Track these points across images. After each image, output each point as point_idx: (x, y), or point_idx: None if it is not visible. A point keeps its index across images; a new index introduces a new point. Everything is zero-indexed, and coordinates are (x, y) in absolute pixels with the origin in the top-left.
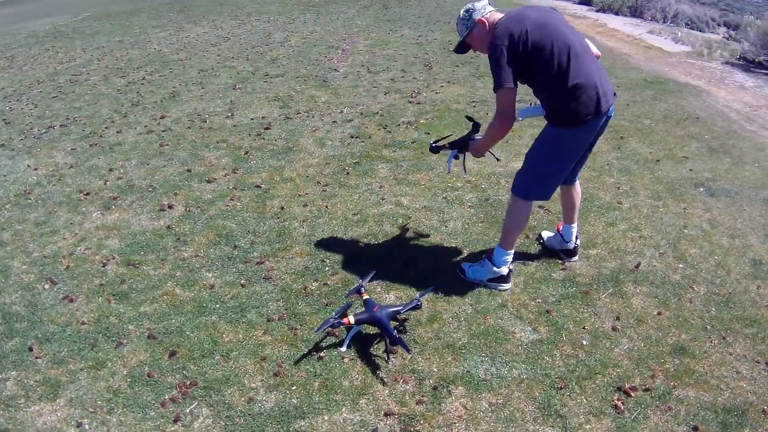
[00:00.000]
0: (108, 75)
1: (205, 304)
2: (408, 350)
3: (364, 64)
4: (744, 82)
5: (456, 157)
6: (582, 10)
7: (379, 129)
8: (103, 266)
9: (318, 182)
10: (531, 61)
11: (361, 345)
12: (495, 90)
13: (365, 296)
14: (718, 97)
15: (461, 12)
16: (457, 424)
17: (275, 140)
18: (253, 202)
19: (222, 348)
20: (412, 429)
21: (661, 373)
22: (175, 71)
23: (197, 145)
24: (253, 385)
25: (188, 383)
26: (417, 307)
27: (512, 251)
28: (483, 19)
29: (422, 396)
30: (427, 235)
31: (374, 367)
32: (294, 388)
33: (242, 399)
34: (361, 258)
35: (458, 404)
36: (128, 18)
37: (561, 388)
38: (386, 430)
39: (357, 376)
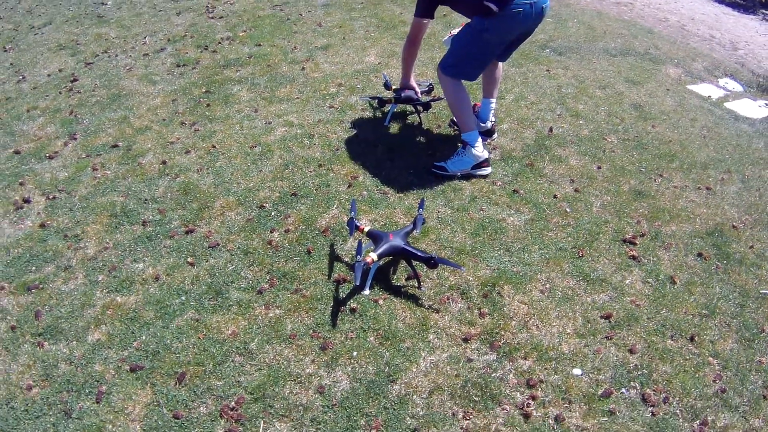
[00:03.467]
0: None
1: (167, 302)
2: (459, 267)
3: None
4: None
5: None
6: None
7: (201, 51)
8: None
9: (182, 123)
10: None
11: (377, 281)
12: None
13: (366, 228)
14: None
15: None
16: (531, 321)
17: (93, 90)
18: (123, 165)
19: (234, 346)
20: (500, 343)
21: (641, 217)
22: None
23: (6, 121)
24: (309, 371)
25: (232, 405)
26: (423, 222)
27: (476, 129)
28: None
29: (481, 308)
30: (346, 148)
31: (413, 300)
32: (356, 353)
33: (312, 395)
34: (300, 191)
35: (517, 303)
36: None
37: (582, 256)
38: (478, 354)
39: (405, 314)
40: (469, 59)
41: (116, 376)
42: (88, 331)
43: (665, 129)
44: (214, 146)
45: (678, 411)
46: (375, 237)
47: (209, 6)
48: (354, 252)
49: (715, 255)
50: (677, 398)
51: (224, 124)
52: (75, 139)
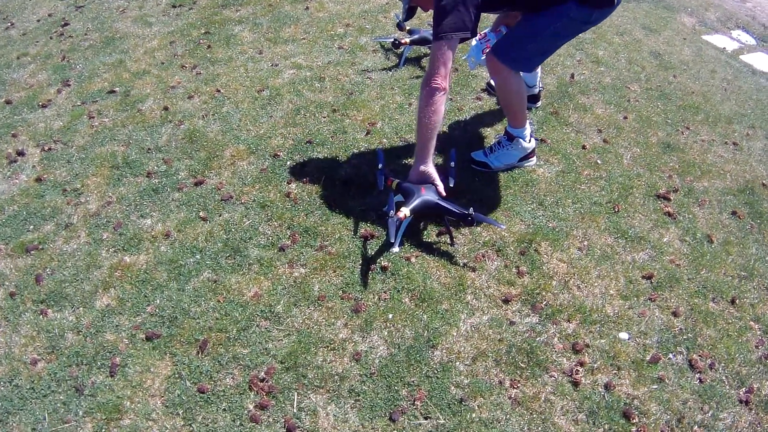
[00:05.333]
0: None
1: (181, 262)
2: (498, 224)
3: None
4: None
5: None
6: None
7: None
8: None
9: (182, 66)
10: None
11: (405, 236)
12: (434, 39)
13: (396, 181)
14: None
15: None
16: (571, 281)
17: (86, 34)
18: (122, 112)
19: (258, 309)
20: (542, 305)
21: (673, 172)
22: None
23: None
24: (343, 336)
25: (262, 375)
26: (456, 174)
27: (528, 123)
28: None
29: (519, 267)
30: (360, 92)
31: (447, 257)
32: (391, 316)
33: (347, 362)
34: (315, 138)
35: (556, 261)
36: None
37: (617, 212)
38: (520, 317)
39: (440, 273)
40: (546, 53)
41: (131, 345)
42: (96, 295)
43: (687, 79)
44: (218, 90)
45: (724, 378)
46: (406, 191)
47: None
48: (383, 207)
49: (748, 213)
50: (722, 364)
51: (227, 66)
52: (69, 85)
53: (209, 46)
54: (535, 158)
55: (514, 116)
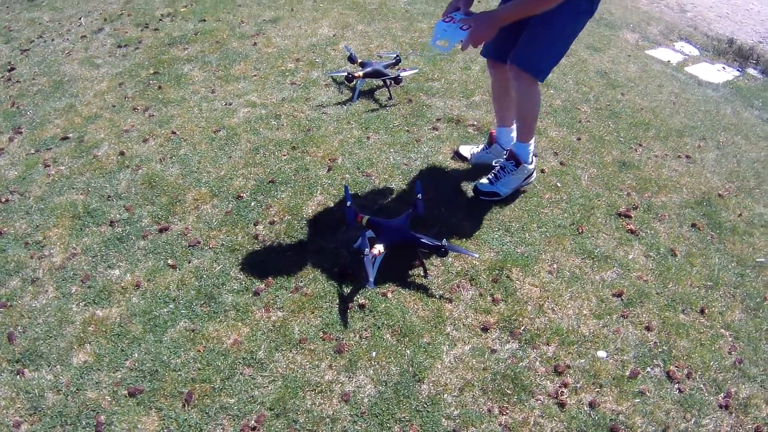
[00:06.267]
0: None
1: (154, 312)
2: (472, 254)
3: None
4: None
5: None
6: None
7: (141, 30)
8: None
9: (134, 108)
10: None
11: (378, 271)
12: None
13: (364, 217)
14: None
15: None
16: (546, 305)
17: (33, 79)
18: (78, 159)
19: (239, 357)
20: (519, 330)
21: (631, 189)
22: None
23: None
24: (328, 377)
25: (252, 424)
26: (423, 206)
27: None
28: None
29: (493, 294)
30: (317, 128)
31: (422, 290)
32: (374, 354)
33: (336, 404)
34: (277, 177)
35: (529, 286)
36: None
37: (582, 233)
38: (500, 344)
39: (417, 306)
40: (559, 56)
41: (114, 402)
42: (72, 352)
43: (635, 96)
44: (174, 132)
45: (702, 386)
46: (376, 226)
47: None
48: (353, 243)
49: (707, 225)
50: (699, 373)
51: (180, 107)
52: (20, 133)
53: (160, 87)
54: (534, 176)
55: (528, 128)
